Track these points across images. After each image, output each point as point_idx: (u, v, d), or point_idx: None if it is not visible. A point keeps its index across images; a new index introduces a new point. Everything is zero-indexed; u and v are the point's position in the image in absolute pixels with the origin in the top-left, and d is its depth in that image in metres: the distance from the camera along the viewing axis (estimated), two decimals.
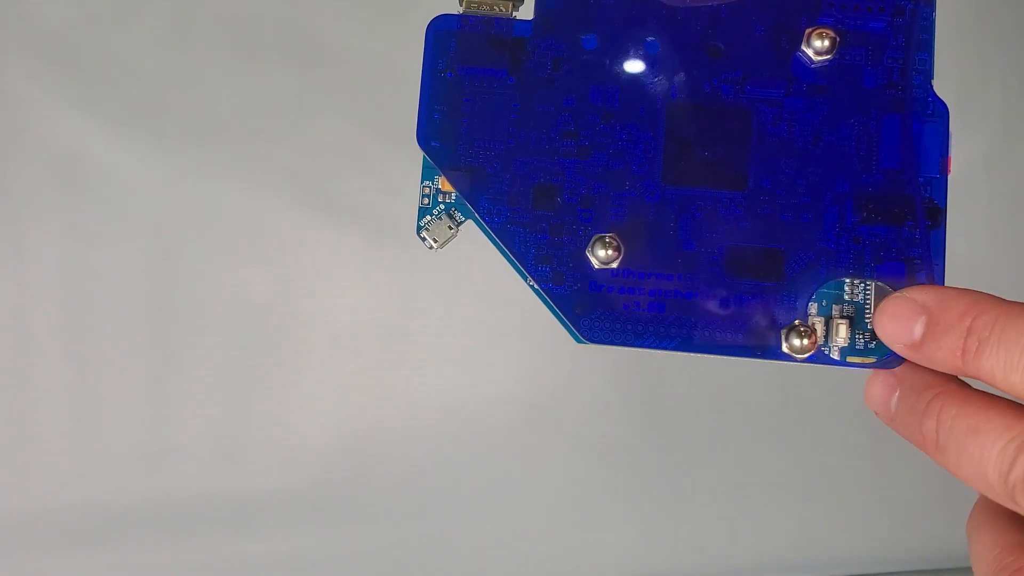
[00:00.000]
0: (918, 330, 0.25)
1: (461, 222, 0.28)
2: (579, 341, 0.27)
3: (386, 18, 0.47)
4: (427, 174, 0.28)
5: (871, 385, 0.27)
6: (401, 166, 0.46)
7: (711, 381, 0.49)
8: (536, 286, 0.27)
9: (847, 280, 0.27)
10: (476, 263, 0.47)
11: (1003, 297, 0.24)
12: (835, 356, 0.27)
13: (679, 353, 0.27)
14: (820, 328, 0.27)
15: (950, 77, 0.49)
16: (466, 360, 0.48)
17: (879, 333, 0.26)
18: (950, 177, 0.49)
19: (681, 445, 0.49)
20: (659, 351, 0.27)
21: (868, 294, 0.27)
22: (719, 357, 0.27)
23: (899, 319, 0.25)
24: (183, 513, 0.46)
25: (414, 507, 0.48)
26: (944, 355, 0.24)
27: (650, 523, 0.49)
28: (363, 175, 0.47)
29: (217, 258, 0.46)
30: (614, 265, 0.27)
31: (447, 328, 0.48)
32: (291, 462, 0.47)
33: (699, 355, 0.27)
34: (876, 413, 0.27)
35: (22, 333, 0.45)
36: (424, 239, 0.28)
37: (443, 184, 0.28)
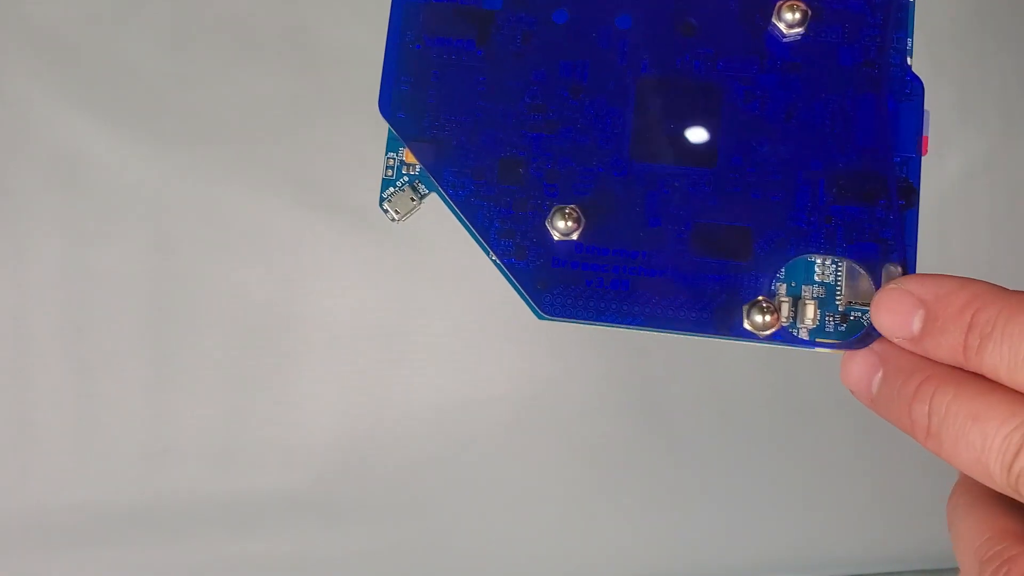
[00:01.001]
0: (916, 324, 0.24)
1: (424, 195, 0.28)
2: (540, 317, 0.27)
3: (386, 18, 0.47)
4: (391, 145, 0.28)
5: (849, 363, 0.25)
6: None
7: (709, 380, 0.48)
8: (498, 260, 0.27)
9: (817, 260, 0.26)
10: (476, 263, 0.46)
11: (1005, 287, 0.23)
12: (804, 337, 0.26)
13: (655, 334, 0.26)
14: (787, 308, 0.26)
15: (950, 76, 0.48)
16: (465, 360, 0.47)
17: (876, 326, 0.25)
18: (951, 177, 0.48)
19: (680, 444, 0.48)
20: (623, 328, 0.27)
21: (839, 274, 0.26)
22: (687, 337, 0.26)
23: (896, 313, 0.24)
24: (183, 513, 0.46)
25: (413, 507, 0.47)
26: (945, 351, 0.23)
27: (649, 523, 0.48)
28: (363, 175, 0.47)
29: (217, 258, 0.46)
30: (574, 237, 0.26)
31: (446, 328, 0.47)
32: (290, 462, 0.47)
33: (663, 334, 0.26)
34: (853, 393, 0.26)
35: (22, 333, 0.45)
36: (386, 211, 0.28)
37: (407, 156, 0.28)
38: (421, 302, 0.47)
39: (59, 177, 0.46)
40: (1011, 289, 0.23)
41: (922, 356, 0.24)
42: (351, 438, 0.47)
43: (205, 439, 0.46)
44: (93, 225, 0.46)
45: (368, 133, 0.46)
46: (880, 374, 0.25)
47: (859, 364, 0.25)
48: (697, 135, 0.27)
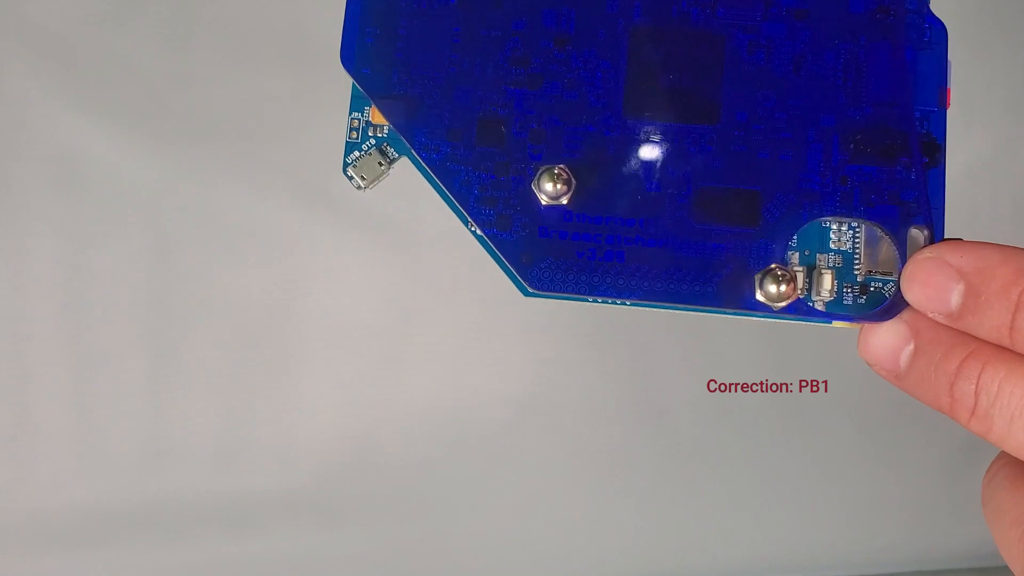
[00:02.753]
0: (955, 300, 0.21)
1: (394, 159, 0.25)
2: (526, 294, 0.24)
3: None
4: (356, 105, 0.25)
5: (872, 335, 0.23)
6: (401, 165, 0.45)
7: (710, 380, 0.48)
8: (478, 231, 0.24)
9: (833, 226, 0.24)
10: (475, 263, 0.46)
11: None
12: (820, 309, 0.23)
13: (650, 309, 0.24)
14: (801, 279, 0.23)
15: (952, 76, 0.47)
16: (465, 360, 0.47)
17: (909, 300, 0.23)
18: (953, 177, 0.47)
19: (680, 445, 0.48)
20: (619, 305, 0.24)
21: (857, 241, 0.24)
22: (689, 312, 0.24)
23: (931, 287, 0.22)
24: (182, 513, 0.46)
25: (413, 507, 0.47)
26: (987, 330, 0.21)
27: (649, 523, 0.48)
28: None
29: (216, 258, 0.46)
30: (564, 201, 0.23)
31: (446, 328, 0.47)
32: (290, 462, 0.47)
33: (663, 309, 0.24)
34: (875, 368, 0.23)
35: (20, 333, 0.45)
36: (351, 178, 0.25)
37: (374, 116, 0.25)
38: (421, 302, 0.47)
39: (59, 177, 0.45)
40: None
41: (962, 331, 0.22)
42: (350, 438, 0.47)
43: (205, 439, 0.46)
44: (92, 225, 0.45)
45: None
46: (911, 347, 0.22)
47: (885, 335, 0.23)
48: (698, 89, 0.24)
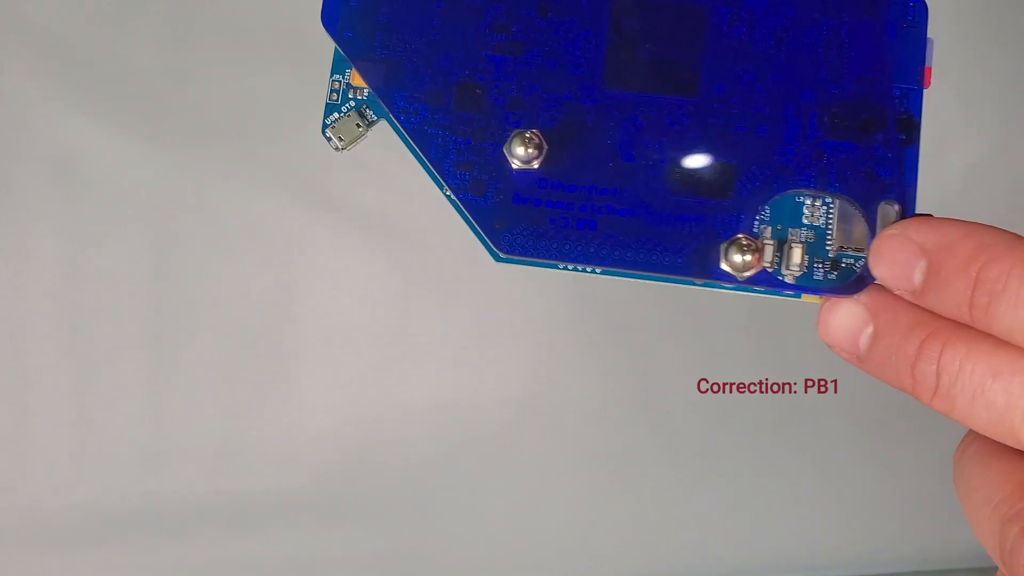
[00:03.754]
0: (918, 277, 0.21)
1: (373, 122, 0.25)
2: (497, 259, 0.24)
3: None
4: (337, 67, 0.25)
5: (831, 317, 0.23)
6: (401, 166, 0.45)
7: (710, 380, 0.48)
8: (452, 195, 0.24)
9: (807, 201, 0.23)
10: (475, 263, 0.46)
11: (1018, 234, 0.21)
12: (789, 282, 0.23)
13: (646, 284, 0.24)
14: (771, 252, 0.23)
15: (951, 75, 0.48)
16: (465, 360, 0.47)
17: (875, 276, 0.22)
18: (952, 176, 0.47)
19: (680, 444, 0.48)
20: (588, 273, 0.24)
21: (830, 217, 0.23)
22: (657, 283, 0.24)
23: (896, 264, 0.22)
24: (181, 514, 0.46)
25: (413, 507, 0.47)
26: (949, 307, 0.21)
27: (649, 523, 0.48)
28: (363, 175, 0.47)
29: (216, 258, 0.46)
30: (535, 165, 0.23)
31: (446, 328, 0.47)
32: (290, 462, 0.46)
33: (631, 279, 0.24)
34: (836, 350, 0.23)
35: (20, 333, 0.45)
36: (329, 139, 0.25)
37: (354, 79, 0.25)
38: (421, 302, 0.47)
39: (58, 177, 0.45)
40: None
41: (923, 308, 0.22)
42: (350, 438, 0.47)
43: (204, 439, 0.46)
44: (92, 225, 0.46)
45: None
46: (870, 329, 0.22)
47: (843, 318, 0.23)
48: (678, 61, 0.24)
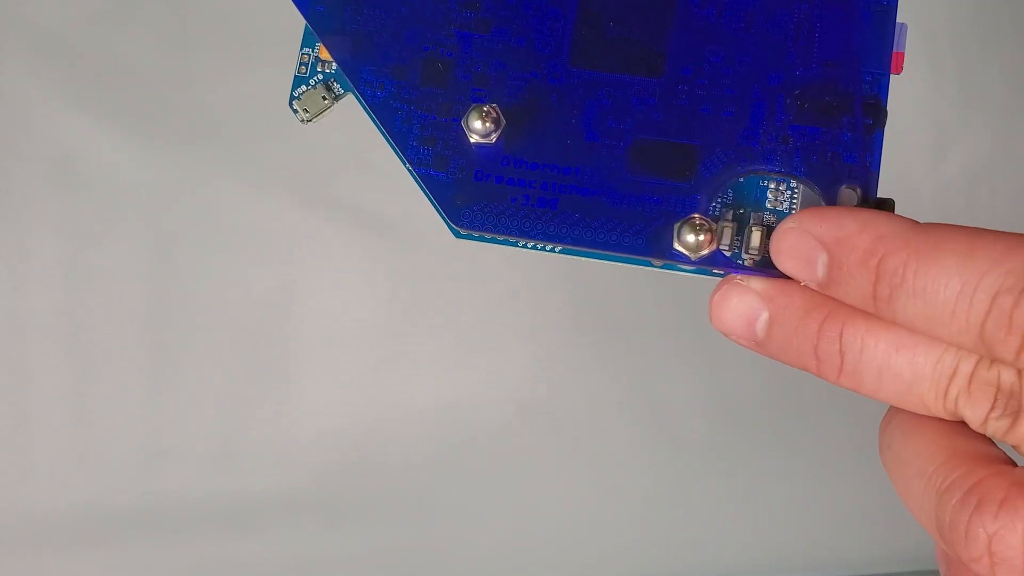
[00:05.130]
0: (821, 271, 0.21)
1: (340, 95, 0.25)
2: (457, 236, 0.24)
3: None
4: (307, 41, 0.25)
5: (721, 307, 0.22)
6: (401, 166, 0.45)
7: (709, 380, 0.48)
8: (413, 170, 0.24)
9: (771, 186, 0.23)
10: (476, 263, 0.46)
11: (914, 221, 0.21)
12: (748, 265, 0.23)
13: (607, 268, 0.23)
14: (730, 234, 0.23)
15: (951, 75, 0.47)
16: (465, 360, 0.47)
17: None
18: (953, 177, 0.46)
19: (680, 444, 0.48)
20: (547, 252, 0.24)
21: (795, 202, 0.23)
22: (614, 263, 0.23)
23: (797, 259, 0.21)
24: (181, 514, 0.46)
25: (413, 507, 0.47)
26: (854, 299, 0.21)
27: (649, 523, 0.48)
28: (363, 175, 0.47)
29: (216, 258, 0.46)
30: (492, 139, 0.23)
31: (446, 328, 0.47)
32: (290, 463, 0.46)
33: (589, 259, 0.24)
34: (732, 338, 0.23)
35: (19, 333, 0.45)
36: (296, 111, 0.25)
37: (323, 52, 0.25)
38: (421, 302, 0.47)
39: (58, 177, 0.46)
40: (920, 223, 0.20)
41: (807, 288, 0.22)
42: (350, 438, 0.47)
43: (204, 439, 0.46)
44: (92, 225, 0.46)
45: (369, 133, 0.46)
46: (765, 315, 0.22)
47: (735, 307, 0.22)
48: (645, 41, 0.24)
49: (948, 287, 0.19)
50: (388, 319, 0.47)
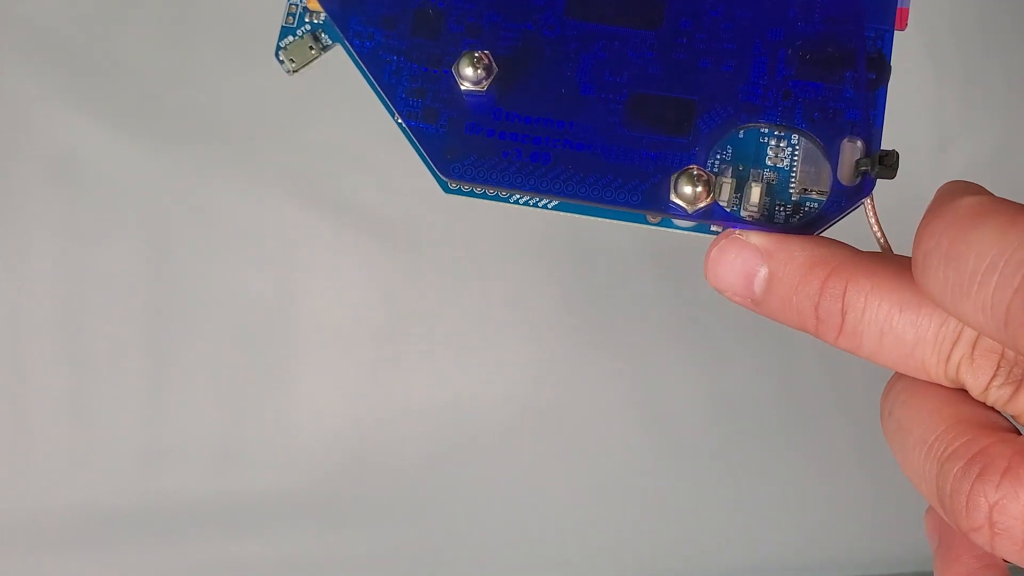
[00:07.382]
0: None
1: (327, 46, 0.24)
2: (446, 191, 0.23)
3: None
4: None
5: (718, 262, 0.22)
6: (401, 166, 0.45)
7: (711, 381, 0.47)
8: (403, 123, 0.23)
9: (771, 142, 0.22)
10: (476, 263, 0.46)
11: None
12: (749, 221, 0.22)
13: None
14: (729, 190, 0.22)
15: (952, 74, 0.47)
16: (466, 360, 0.47)
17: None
18: (954, 175, 0.46)
19: (680, 445, 0.47)
20: (539, 208, 0.23)
21: (795, 159, 0.22)
22: (610, 221, 0.23)
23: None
24: (181, 514, 0.46)
25: (413, 508, 0.47)
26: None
27: (649, 523, 0.48)
28: (363, 175, 0.47)
29: (216, 258, 0.46)
30: (483, 87, 0.22)
31: (446, 328, 0.47)
32: (290, 463, 0.46)
33: (584, 216, 0.23)
34: (728, 295, 0.22)
35: (19, 333, 0.45)
36: (282, 61, 0.24)
37: (311, 2, 0.24)
38: (421, 302, 0.47)
39: (58, 176, 0.45)
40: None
41: (816, 244, 0.21)
42: (350, 439, 0.46)
43: (204, 439, 0.46)
44: (91, 225, 0.46)
45: (369, 133, 0.46)
46: (765, 271, 0.21)
47: (733, 261, 0.21)
48: None
49: (980, 257, 0.18)
50: (388, 319, 0.46)
